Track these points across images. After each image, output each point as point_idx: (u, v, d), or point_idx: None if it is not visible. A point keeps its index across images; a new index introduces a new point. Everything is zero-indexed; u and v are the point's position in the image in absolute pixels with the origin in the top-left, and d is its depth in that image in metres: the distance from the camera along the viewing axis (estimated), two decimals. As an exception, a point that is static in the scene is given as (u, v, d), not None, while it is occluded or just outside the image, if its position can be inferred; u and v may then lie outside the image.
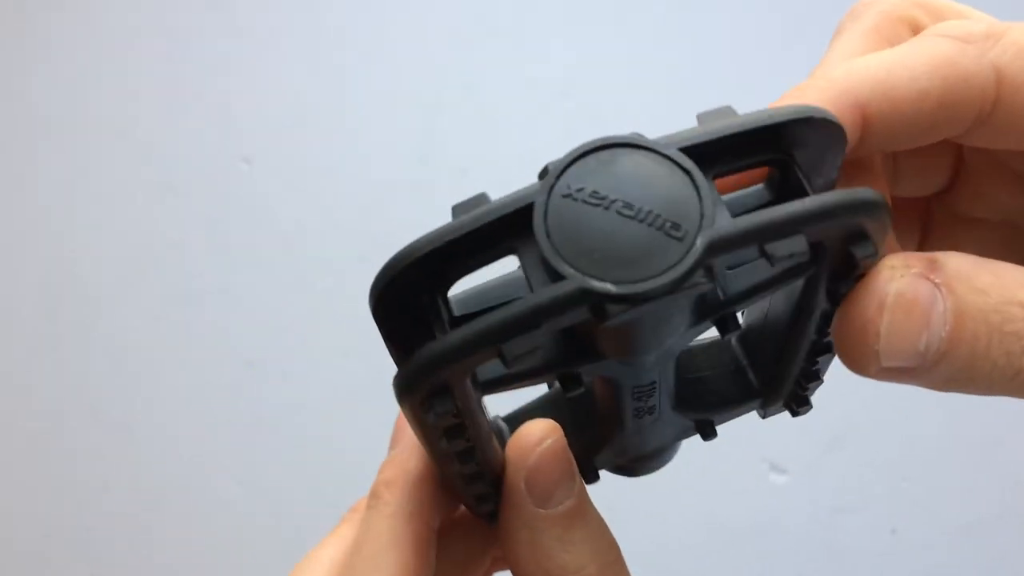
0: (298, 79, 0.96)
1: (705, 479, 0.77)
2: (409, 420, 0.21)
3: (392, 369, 0.21)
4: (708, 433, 0.26)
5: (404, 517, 0.24)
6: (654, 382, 0.23)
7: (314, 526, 0.89)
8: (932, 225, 0.27)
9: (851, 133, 0.20)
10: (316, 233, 0.91)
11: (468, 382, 0.20)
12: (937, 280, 0.19)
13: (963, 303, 0.19)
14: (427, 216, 1.03)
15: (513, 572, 0.23)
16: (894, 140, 0.21)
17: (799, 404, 0.26)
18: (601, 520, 0.23)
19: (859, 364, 0.19)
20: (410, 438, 0.25)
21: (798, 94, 0.21)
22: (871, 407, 0.79)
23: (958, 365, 0.19)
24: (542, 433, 0.22)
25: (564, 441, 0.22)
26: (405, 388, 0.19)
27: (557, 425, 0.22)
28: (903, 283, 0.19)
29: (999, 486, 0.79)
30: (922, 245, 0.27)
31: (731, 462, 0.79)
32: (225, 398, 0.87)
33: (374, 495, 0.25)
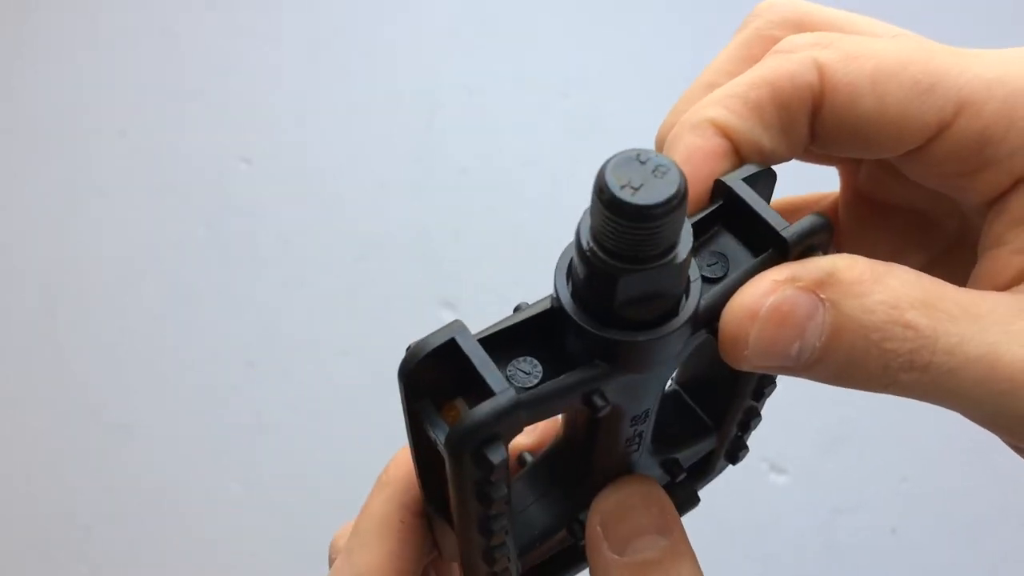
0: (298, 79, 0.96)
1: (705, 479, 0.77)
2: (453, 478, 0.22)
3: (392, 366, 0.21)
4: (675, 473, 0.28)
5: (397, 503, 0.26)
6: (648, 410, 0.24)
7: (314, 524, 0.89)
8: (860, 209, 0.28)
9: (720, 144, 0.23)
10: (315, 233, 0.91)
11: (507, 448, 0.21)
12: (823, 295, 0.20)
13: (844, 319, 0.20)
14: (427, 216, 1.03)
15: None
16: (758, 143, 0.23)
17: (737, 449, 0.28)
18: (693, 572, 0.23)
19: (731, 360, 0.21)
20: None
21: (674, 132, 0.24)
22: (871, 407, 0.79)
23: (833, 369, 0.20)
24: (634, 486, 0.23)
25: (651, 494, 0.23)
26: (461, 438, 0.20)
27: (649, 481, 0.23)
28: (781, 297, 0.20)
29: (999, 486, 0.79)
30: (856, 226, 0.28)
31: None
32: (225, 398, 0.87)
33: (380, 479, 0.27)
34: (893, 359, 0.20)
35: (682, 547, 0.22)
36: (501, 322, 0.21)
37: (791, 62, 0.22)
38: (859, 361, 0.20)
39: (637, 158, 0.19)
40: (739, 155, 0.23)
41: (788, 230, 0.21)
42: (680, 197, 0.19)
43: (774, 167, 0.24)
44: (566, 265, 0.21)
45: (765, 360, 0.20)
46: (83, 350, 0.90)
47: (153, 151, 0.95)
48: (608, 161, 0.19)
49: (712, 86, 0.25)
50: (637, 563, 0.22)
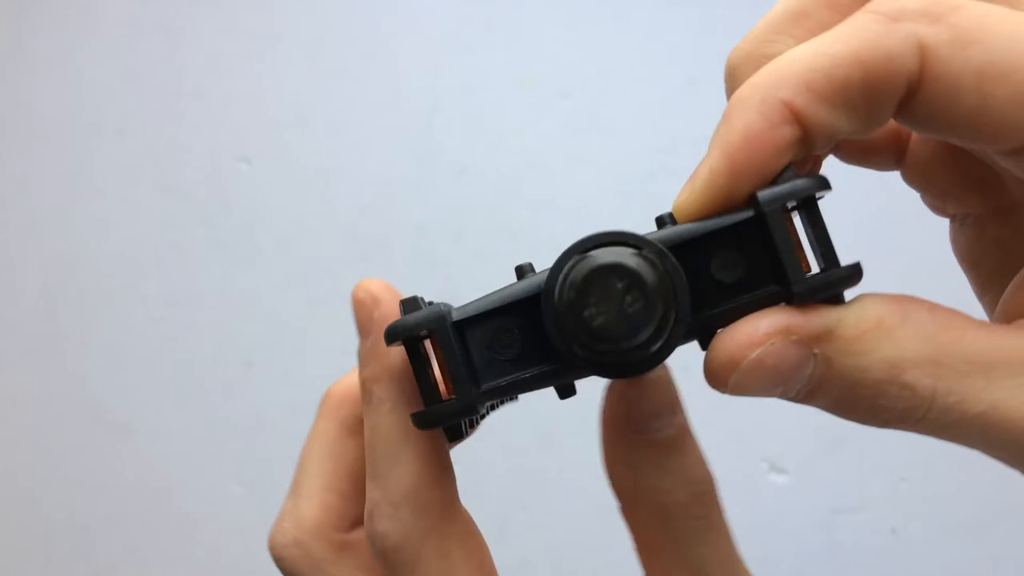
0: (298, 79, 0.96)
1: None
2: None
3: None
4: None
5: (406, 409, 0.24)
6: None
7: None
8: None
9: (788, 133, 0.20)
10: (315, 233, 0.91)
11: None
12: (816, 351, 0.19)
13: (834, 375, 0.19)
14: (427, 215, 1.04)
15: (610, 484, 0.23)
16: (834, 130, 0.20)
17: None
18: (698, 451, 0.23)
19: (714, 386, 0.21)
20: (383, 321, 0.24)
21: (741, 95, 0.21)
22: (871, 407, 0.79)
23: (821, 406, 0.20)
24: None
25: (664, 374, 0.22)
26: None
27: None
28: (766, 351, 0.19)
29: (999, 486, 0.79)
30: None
31: (731, 462, 0.79)
32: (225, 398, 0.87)
33: (366, 392, 0.25)
34: (884, 413, 0.20)
35: (688, 424, 0.23)
36: (490, 297, 0.22)
37: (891, 38, 0.19)
38: (847, 409, 0.20)
39: (614, 274, 0.19)
40: (807, 143, 0.20)
41: (802, 284, 0.20)
42: (656, 334, 0.19)
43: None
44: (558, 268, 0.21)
45: (747, 395, 0.20)
46: (82, 350, 0.90)
47: (153, 151, 0.95)
48: (578, 263, 0.20)
49: (800, 18, 0.22)
50: (659, 441, 0.22)
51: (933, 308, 0.20)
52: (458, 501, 0.26)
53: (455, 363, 0.21)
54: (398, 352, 0.24)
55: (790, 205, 0.21)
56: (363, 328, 0.25)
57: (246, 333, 0.89)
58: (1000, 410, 0.19)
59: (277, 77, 0.96)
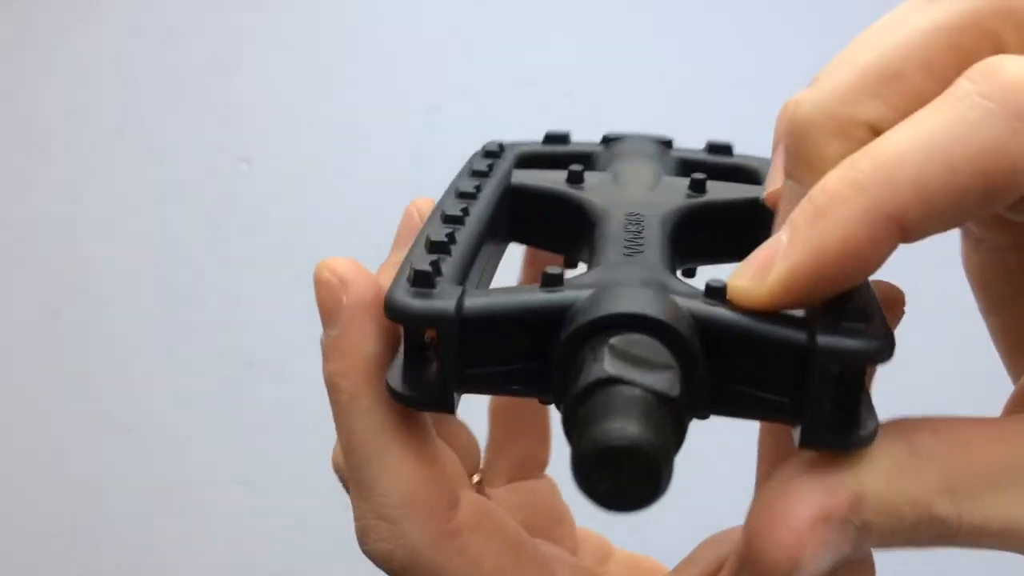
0: (298, 79, 0.96)
1: (705, 479, 0.77)
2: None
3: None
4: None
5: (384, 406, 0.21)
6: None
7: (314, 525, 0.89)
8: None
9: (889, 248, 0.17)
10: (316, 233, 0.91)
11: None
12: (854, 520, 0.19)
13: (874, 531, 0.20)
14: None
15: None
16: (926, 235, 0.18)
17: None
18: None
19: None
20: (354, 308, 0.21)
21: (829, 191, 0.18)
22: (871, 407, 0.79)
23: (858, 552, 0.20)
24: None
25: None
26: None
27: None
28: (819, 544, 0.19)
29: (999, 486, 0.79)
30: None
31: (731, 462, 0.79)
32: (225, 398, 0.87)
33: (335, 391, 0.22)
34: (921, 543, 0.20)
35: None
36: (509, 297, 0.20)
37: (1017, 144, 0.16)
38: (883, 548, 0.21)
39: (613, 448, 0.16)
40: (901, 240, 0.18)
41: (818, 440, 0.19)
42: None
43: None
44: None
45: None
46: (83, 350, 0.90)
47: (153, 151, 0.95)
48: (585, 446, 0.16)
49: (894, 80, 0.18)
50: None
51: (935, 428, 0.19)
52: (462, 478, 0.23)
53: (449, 363, 0.20)
54: (373, 340, 0.21)
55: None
56: (329, 315, 0.22)
57: (246, 333, 0.89)
58: (1021, 522, 0.19)
59: (277, 77, 0.96)
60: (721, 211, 0.25)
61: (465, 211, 0.24)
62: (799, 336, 0.18)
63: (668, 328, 0.18)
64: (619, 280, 0.20)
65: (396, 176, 0.92)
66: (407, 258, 0.22)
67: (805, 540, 0.18)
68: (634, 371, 0.17)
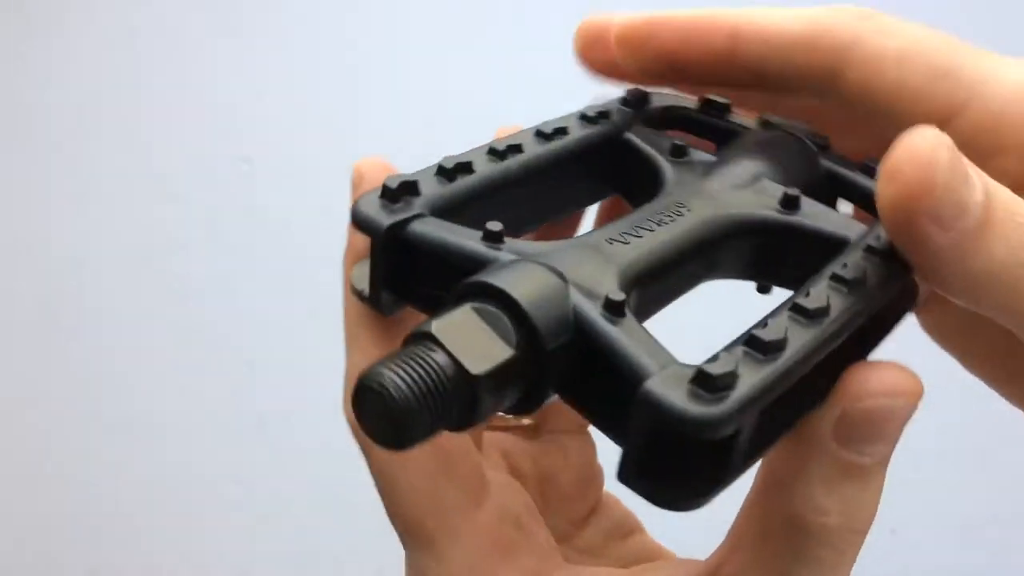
0: (298, 79, 0.96)
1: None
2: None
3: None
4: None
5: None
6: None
7: (314, 525, 0.89)
8: None
9: (720, 49, 0.24)
10: (316, 233, 0.91)
11: None
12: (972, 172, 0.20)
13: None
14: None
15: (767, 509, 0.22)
16: (764, 75, 0.25)
17: None
18: (878, 495, 0.22)
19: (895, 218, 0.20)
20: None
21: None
22: (871, 407, 0.79)
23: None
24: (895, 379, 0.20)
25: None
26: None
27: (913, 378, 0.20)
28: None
29: (999, 486, 0.79)
30: None
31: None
32: (225, 398, 0.87)
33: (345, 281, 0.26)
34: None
35: (887, 463, 0.22)
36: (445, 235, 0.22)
37: (838, 18, 0.24)
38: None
39: (364, 385, 0.18)
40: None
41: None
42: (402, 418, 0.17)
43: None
44: None
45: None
46: (82, 350, 0.90)
47: (153, 151, 0.95)
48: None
49: None
50: (853, 463, 0.21)
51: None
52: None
53: (377, 268, 0.23)
54: (363, 240, 0.24)
55: None
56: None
57: (246, 333, 0.89)
58: None
59: (277, 77, 0.96)
60: (795, 237, 0.23)
61: (516, 148, 0.26)
62: (643, 367, 0.18)
63: (517, 307, 0.19)
64: (536, 256, 0.20)
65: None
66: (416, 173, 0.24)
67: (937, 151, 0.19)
68: (452, 337, 0.18)
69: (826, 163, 0.26)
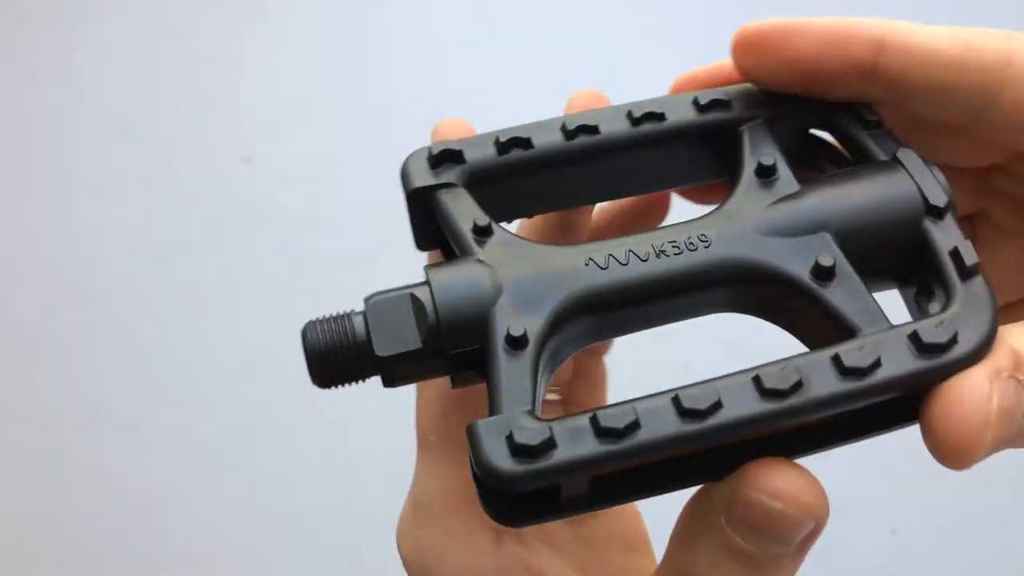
0: (298, 79, 0.96)
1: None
2: None
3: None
4: None
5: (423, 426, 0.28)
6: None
7: (315, 525, 0.89)
8: (977, 235, 0.27)
9: (863, 60, 0.23)
10: (316, 233, 0.91)
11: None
12: (1021, 377, 0.20)
13: None
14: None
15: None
16: (905, 89, 0.23)
17: None
18: None
19: (954, 462, 0.21)
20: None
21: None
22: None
23: None
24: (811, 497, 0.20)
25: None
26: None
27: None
28: (1003, 395, 0.20)
29: (999, 486, 0.79)
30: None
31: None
32: (225, 398, 0.87)
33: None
34: None
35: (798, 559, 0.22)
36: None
37: (990, 38, 0.23)
38: None
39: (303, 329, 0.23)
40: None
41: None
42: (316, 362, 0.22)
43: None
44: None
45: (986, 455, 0.21)
46: (82, 350, 0.90)
47: (153, 151, 0.95)
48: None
49: None
50: (755, 555, 0.21)
51: None
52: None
53: (412, 214, 0.25)
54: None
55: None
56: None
57: (246, 333, 0.89)
58: None
59: (277, 77, 0.96)
60: (808, 303, 0.22)
61: (590, 130, 0.25)
62: (498, 406, 0.20)
63: (436, 309, 0.21)
64: (498, 262, 0.22)
65: (396, 176, 0.92)
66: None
67: (990, 400, 0.20)
68: (379, 314, 0.21)
69: (928, 226, 0.22)
